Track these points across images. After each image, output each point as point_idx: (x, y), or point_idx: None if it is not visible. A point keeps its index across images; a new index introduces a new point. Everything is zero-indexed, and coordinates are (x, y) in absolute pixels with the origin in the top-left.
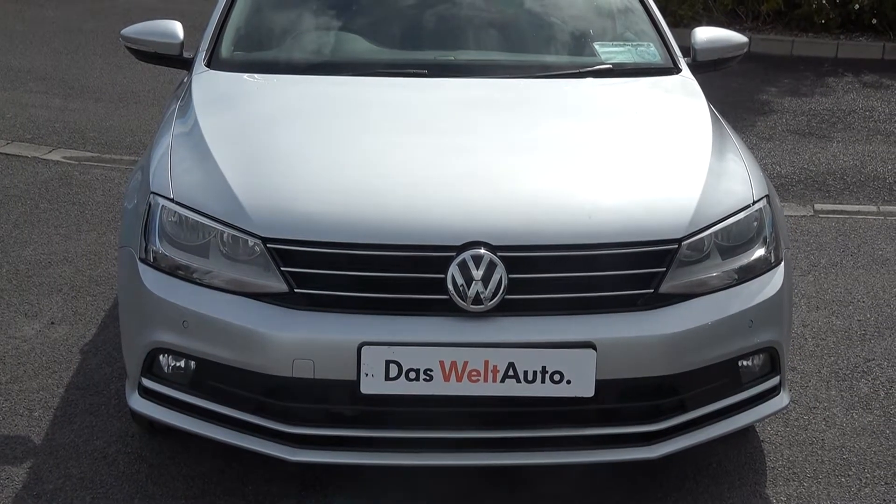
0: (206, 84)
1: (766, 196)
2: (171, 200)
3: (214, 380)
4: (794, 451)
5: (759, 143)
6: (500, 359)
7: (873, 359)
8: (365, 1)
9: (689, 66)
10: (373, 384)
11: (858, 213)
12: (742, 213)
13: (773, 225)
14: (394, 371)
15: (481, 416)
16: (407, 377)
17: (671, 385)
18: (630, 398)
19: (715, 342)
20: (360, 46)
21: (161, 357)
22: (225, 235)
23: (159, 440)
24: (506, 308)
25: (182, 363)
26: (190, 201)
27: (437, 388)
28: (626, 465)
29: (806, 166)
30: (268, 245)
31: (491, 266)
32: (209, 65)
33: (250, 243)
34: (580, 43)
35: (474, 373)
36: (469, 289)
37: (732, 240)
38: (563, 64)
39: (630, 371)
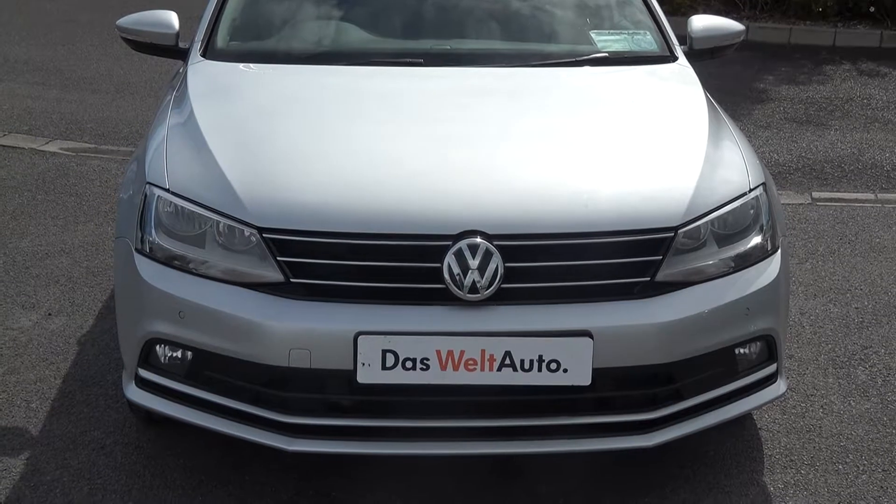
0: (202, 74)
1: (763, 184)
2: (167, 191)
3: (211, 370)
4: (791, 439)
5: (756, 132)
6: (497, 348)
7: (871, 346)
8: None
9: (685, 54)
10: (369, 374)
11: (856, 200)
12: (738, 200)
13: (770, 213)
14: (390, 360)
15: (478, 405)
16: (403, 366)
17: (668, 373)
18: (627, 386)
19: (712, 330)
20: (355, 36)
21: (157, 347)
22: (221, 225)
23: (156, 431)
24: (502, 297)
25: (179, 353)
26: (186, 192)
27: (434, 377)
28: (623, 454)
29: (803, 154)
30: (264, 235)
31: (487, 255)
32: (205, 55)
33: (246, 233)
34: (576, 31)
35: (471, 362)
36: (465, 278)
37: (729, 228)
38: (559, 52)
39: (626, 359)
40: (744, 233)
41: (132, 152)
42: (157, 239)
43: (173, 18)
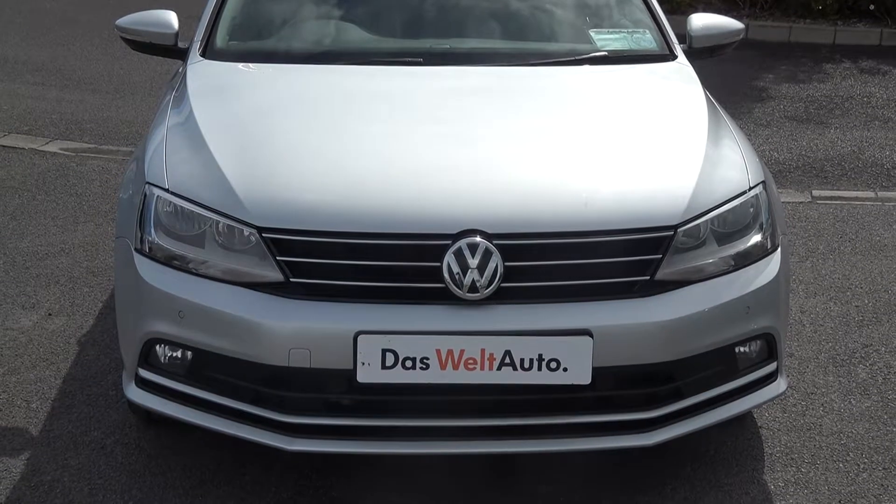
0: (201, 74)
1: (763, 182)
2: (167, 191)
3: (211, 370)
4: (791, 437)
5: (756, 130)
6: (497, 347)
7: (871, 344)
8: None
9: (685, 52)
10: (369, 373)
11: (856, 199)
12: (738, 199)
13: (770, 211)
14: (390, 360)
15: (478, 404)
16: (403, 366)
17: (668, 372)
18: (627, 385)
19: (712, 329)
20: (355, 35)
21: (157, 347)
22: (220, 225)
23: (157, 431)
24: (502, 296)
25: (178, 353)
26: (185, 191)
27: (434, 376)
28: (623, 453)
29: (803, 152)
30: (263, 235)
31: (487, 254)
32: (204, 55)
33: (246, 233)
34: (576, 30)
35: (471, 361)
36: (465, 277)
37: (729, 226)
38: (558, 51)
39: (627, 358)
40: (744, 231)
41: (132, 152)
42: (156, 239)
43: (172, 18)
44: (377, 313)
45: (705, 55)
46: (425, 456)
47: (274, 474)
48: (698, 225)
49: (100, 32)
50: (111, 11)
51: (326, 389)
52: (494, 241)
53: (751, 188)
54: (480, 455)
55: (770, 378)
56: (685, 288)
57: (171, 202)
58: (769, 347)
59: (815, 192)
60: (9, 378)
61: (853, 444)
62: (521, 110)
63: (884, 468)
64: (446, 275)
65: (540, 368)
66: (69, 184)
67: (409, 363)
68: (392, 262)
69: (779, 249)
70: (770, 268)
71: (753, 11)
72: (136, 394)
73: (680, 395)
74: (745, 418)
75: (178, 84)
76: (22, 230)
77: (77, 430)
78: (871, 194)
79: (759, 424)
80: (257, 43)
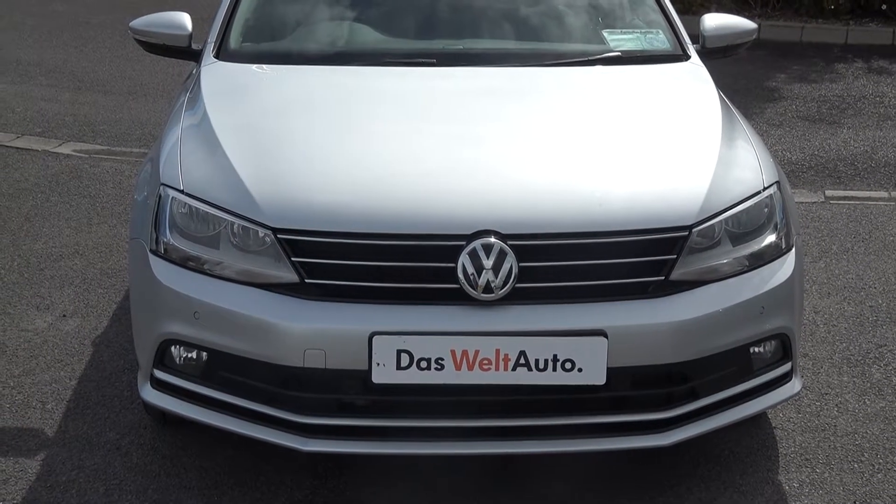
0: (215, 75)
1: (777, 182)
2: (182, 192)
3: (226, 370)
4: (806, 438)
5: (768, 130)
6: (512, 347)
7: (885, 344)
8: None
9: (697, 52)
10: (384, 374)
11: (869, 198)
12: (752, 199)
13: (784, 211)
14: (405, 360)
15: (493, 404)
16: (418, 366)
17: (683, 372)
18: (642, 385)
19: (726, 329)
20: (368, 36)
21: (173, 348)
22: (235, 226)
23: (172, 432)
24: (516, 296)
25: (194, 354)
26: (200, 192)
27: (449, 377)
28: (638, 453)
29: (816, 153)
30: (278, 235)
31: (501, 254)
32: (218, 56)
33: (261, 234)
34: (589, 31)
35: (485, 361)
36: (479, 277)
37: (743, 226)
38: (571, 52)
39: (641, 358)
40: (758, 231)
41: (145, 154)
42: (171, 240)
43: (186, 20)
44: (392, 314)
45: (718, 55)
46: (439, 456)
47: (289, 475)
48: (713, 225)
49: (112, 34)
50: (123, 13)
51: (341, 390)
52: (509, 242)
53: (765, 188)
54: (495, 455)
55: (784, 378)
56: (700, 288)
57: (185, 203)
58: (784, 348)
59: (829, 193)
60: (24, 379)
61: (868, 445)
62: (535, 111)
63: None
64: (461, 275)
65: (555, 369)
66: (82, 185)
67: (424, 364)
68: (407, 263)
69: (793, 249)
70: (784, 268)
71: (765, 11)
72: (151, 395)
73: (695, 396)
74: (759, 419)
75: (191, 85)
76: (36, 232)
77: (92, 430)
78: (884, 194)
79: (773, 425)
80: (271, 44)
